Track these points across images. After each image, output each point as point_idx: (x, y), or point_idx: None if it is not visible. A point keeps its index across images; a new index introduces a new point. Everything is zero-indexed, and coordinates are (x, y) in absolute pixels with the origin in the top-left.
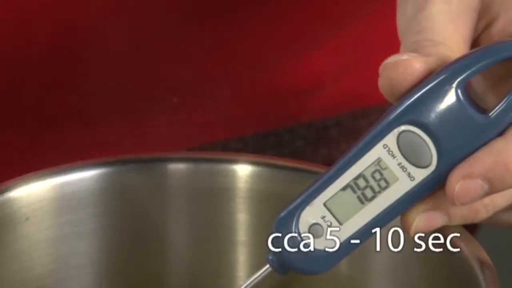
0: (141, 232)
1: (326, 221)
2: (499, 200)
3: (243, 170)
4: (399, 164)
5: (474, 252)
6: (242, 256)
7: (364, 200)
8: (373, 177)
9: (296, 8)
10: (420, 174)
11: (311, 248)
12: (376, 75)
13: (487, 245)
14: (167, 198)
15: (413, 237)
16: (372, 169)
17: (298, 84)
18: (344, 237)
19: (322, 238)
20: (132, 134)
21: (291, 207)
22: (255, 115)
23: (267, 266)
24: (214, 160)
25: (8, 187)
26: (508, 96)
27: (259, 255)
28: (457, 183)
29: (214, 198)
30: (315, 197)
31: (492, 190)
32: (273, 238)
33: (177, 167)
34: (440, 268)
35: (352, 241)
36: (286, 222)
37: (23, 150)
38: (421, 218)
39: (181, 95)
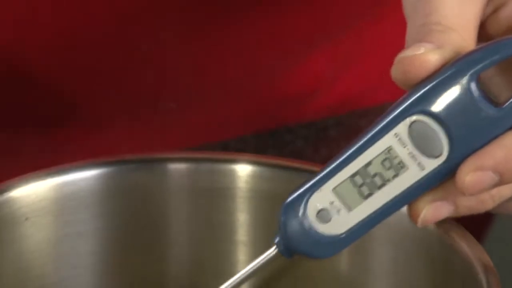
0: (141, 232)
1: (334, 207)
2: (506, 190)
3: (243, 170)
4: (409, 153)
5: (476, 253)
6: (242, 256)
7: (373, 188)
8: (383, 166)
9: (295, 12)
10: (430, 164)
11: (318, 233)
12: (376, 76)
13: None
14: (167, 198)
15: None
16: (382, 157)
17: (297, 86)
18: (351, 223)
19: (329, 224)
20: (132, 134)
21: (299, 191)
22: (255, 116)
23: (273, 248)
24: (214, 160)
25: (8, 187)
26: None
27: (259, 255)
28: (468, 174)
29: (214, 198)
30: (324, 183)
31: (502, 182)
32: (280, 222)
33: (177, 167)
34: (441, 269)
35: (359, 228)
36: (294, 206)
37: (23, 150)
38: (429, 208)
39: (181, 97)
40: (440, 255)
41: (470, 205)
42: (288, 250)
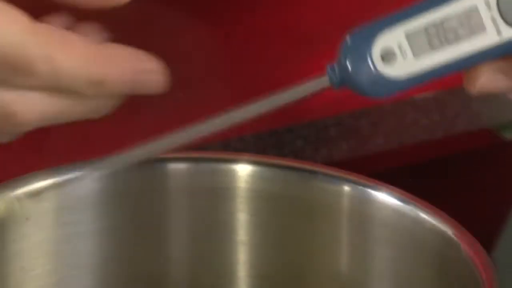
0: (141, 232)
1: (402, 50)
2: None
3: (243, 170)
4: (491, 17)
5: (476, 253)
6: (242, 256)
7: (444, 41)
8: (461, 22)
9: (296, 13)
10: (509, 33)
11: (378, 71)
12: None
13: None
14: (167, 198)
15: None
16: (464, 14)
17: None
18: (412, 70)
19: (392, 65)
20: (132, 134)
21: (370, 25)
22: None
23: (324, 76)
24: (214, 160)
25: (8, 187)
26: None
27: (259, 255)
28: None
29: (214, 198)
30: (397, 24)
31: None
32: (343, 47)
33: (177, 167)
34: (441, 269)
35: (417, 77)
36: (362, 37)
37: (23, 149)
38: (490, 76)
39: (183, 93)
40: (440, 255)
41: None
42: (341, 80)
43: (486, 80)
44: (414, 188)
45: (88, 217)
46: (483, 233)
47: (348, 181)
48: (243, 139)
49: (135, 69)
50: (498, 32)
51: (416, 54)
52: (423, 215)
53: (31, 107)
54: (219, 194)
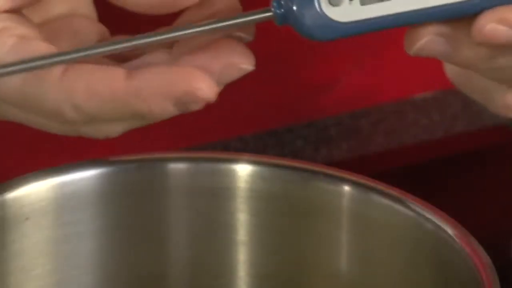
0: (141, 232)
1: None
2: (503, 60)
3: (243, 170)
4: None
5: (476, 253)
6: (242, 256)
7: None
8: None
9: None
10: None
11: (323, 11)
12: (376, 76)
13: None
14: (167, 198)
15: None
16: None
17: (297, 86)
18: (357, 17)
19: (337, 8)
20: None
21: None
22: (255, 116)
23: (267, 11)
24: (214, 160)
25: (8, 187)
26: None
27: (259, 255)
28: (491, 21)
29: (214, 198)
30: None
31: None
32: None
33: (177, 167)
34: (441, 269)
35: (361, 25)
36: None
37: (23, 149)
38: (431, 39)
39: None
40: (440, 255)
41: (466, 57)
42: (284, 17)
43: (427, 42)
44: (414, 188)
45: (88, 217)
46: (483, 233)
47: (348, 181)
48: (243, 139)
49: (170, 95)
50: None
51: (363, 2)
52: (423, 215)
53: None
54: (219, 194)
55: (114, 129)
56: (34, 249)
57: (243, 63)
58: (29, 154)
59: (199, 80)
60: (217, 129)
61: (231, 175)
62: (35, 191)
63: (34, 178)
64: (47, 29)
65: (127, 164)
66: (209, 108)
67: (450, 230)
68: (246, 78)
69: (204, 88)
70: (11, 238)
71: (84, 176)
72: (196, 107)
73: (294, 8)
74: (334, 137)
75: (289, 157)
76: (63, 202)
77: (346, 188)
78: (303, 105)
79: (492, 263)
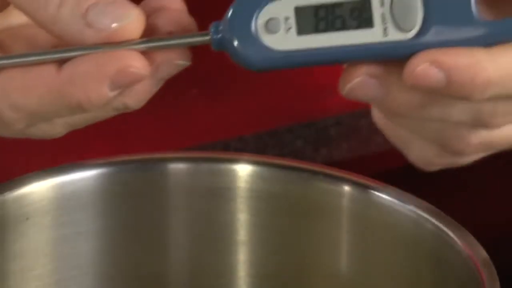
0: (141, 232)
1: (287, 24)
2: (432, 110)
3: (243, 170)
4: (382, 14)
5: (476, 253)
6: (242, 256)
7: (330, 27)
8: (351, 13)
9: None
10: (395, 35)
11: (259, 38)
12: None
13: None
14: (167, 198)
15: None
16: (356, 5)
17: (297, 86)
18: (292, 47)
19: (273, 36)
20: (132, 133)
21: None
22: (255, 116)
23: (205, 34)
24: (214, 160)
25: (9, 187)
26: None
27: (259, 255)
28: (423, 63)
29: (214, 198)
30: None
31: (445, 89)
32: (230, 9)
33: (177, 167)
34: (441, 269)
35: (296, 57)
36: (251, 2)
37: (23, 149)
38: (362, 80)
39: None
40: (440, 255)
41: (398, 102)
42: (220, 43)
43: (358, 82)
44: (414, 188)
45: (88, 217)
46: (483, 233)
47: (348, 181)
48: (243, 139)
49: (103, 77)
50: (385, 32)
51: (299, 32)
52: (423, 215)
53: None
54: (219, 194)
55: (56, 129)
56: (34, 249)
57: (179, 59)
58: (29, 154)
59: (130, 58)
60: (217, 129)
61: (231, 175)
62: (35, 191)
63: (34, 178)
64: (3, 36)
65: (127, 164)
66: (209, 108)
67: (450, 230)
68: (246, 78)
69: (136, 64)
70: (11, 238)
71: (84, 176)
72: (131, 85)
73: (232, 33)
74: (334, 137)
75: (289, 157)
76: (63, 202)
77: (346, 188)
78: (303, 105)
79: (491, 263)
